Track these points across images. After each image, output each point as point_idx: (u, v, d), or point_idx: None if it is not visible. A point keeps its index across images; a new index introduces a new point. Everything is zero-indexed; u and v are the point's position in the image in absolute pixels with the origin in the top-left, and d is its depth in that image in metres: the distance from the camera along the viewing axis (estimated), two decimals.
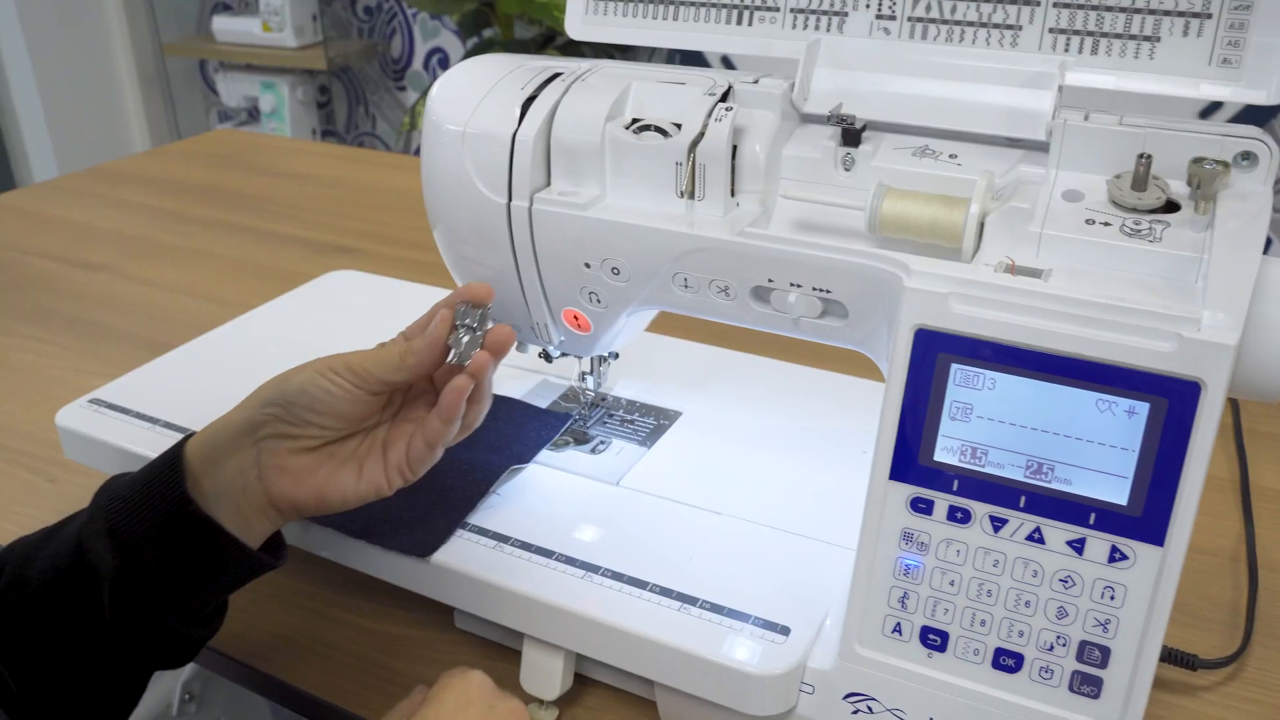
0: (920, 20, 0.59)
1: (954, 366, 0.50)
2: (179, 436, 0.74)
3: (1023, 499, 0.50)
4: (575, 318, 0.67)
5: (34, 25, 3.01)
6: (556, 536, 0.65)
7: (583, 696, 0.64)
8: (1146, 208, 0.51)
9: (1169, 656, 0.63)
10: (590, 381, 0.77)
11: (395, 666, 0.67)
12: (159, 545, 0.55)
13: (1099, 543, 0.49)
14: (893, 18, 0.59)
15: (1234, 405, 0.92)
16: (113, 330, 1.11)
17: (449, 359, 0.58)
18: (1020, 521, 0.50)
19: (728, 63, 2.51)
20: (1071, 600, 0.50)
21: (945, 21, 0.58)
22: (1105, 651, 0.50)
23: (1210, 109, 2.08)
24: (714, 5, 0.63)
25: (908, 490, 0.52)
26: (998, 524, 0.51)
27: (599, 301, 0.65)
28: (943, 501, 0.51)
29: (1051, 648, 0.51)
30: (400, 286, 1.00)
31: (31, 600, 0.56)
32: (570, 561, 0.62)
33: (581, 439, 0.75)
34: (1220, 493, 0.82)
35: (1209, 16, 0.53)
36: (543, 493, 0.70)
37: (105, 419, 0.77)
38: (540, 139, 0.62)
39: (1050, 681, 0.51)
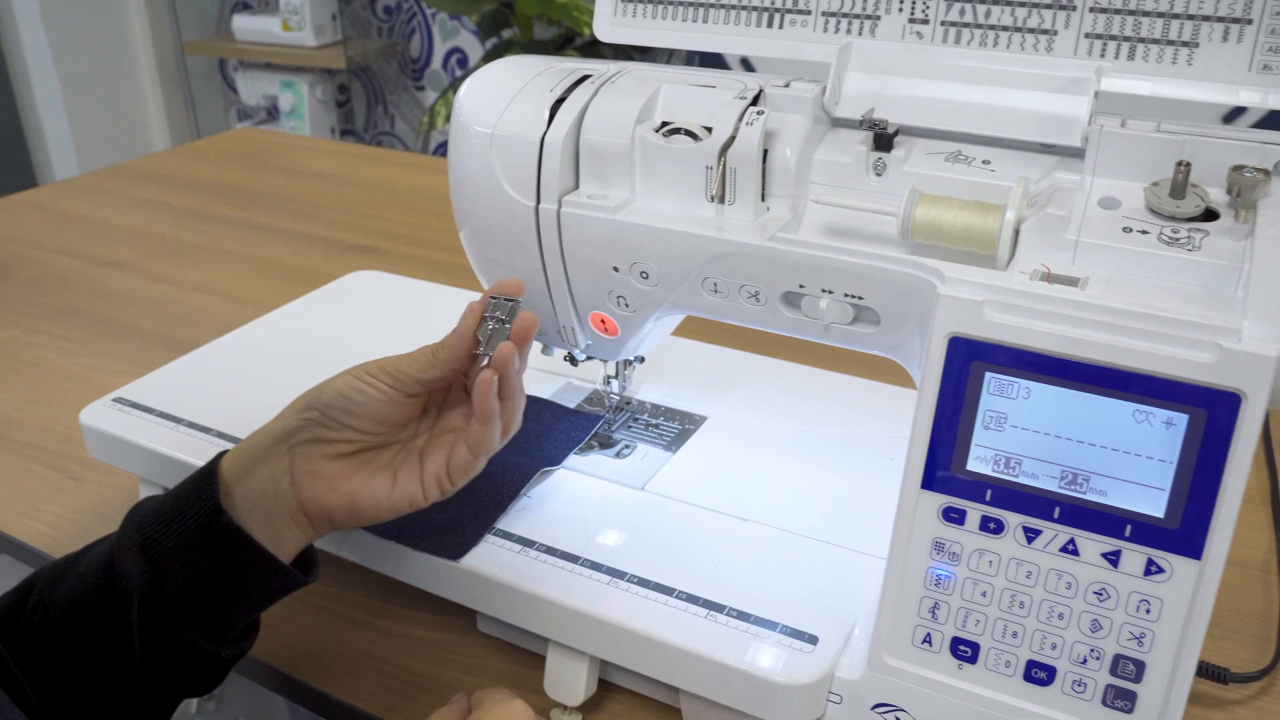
0: (954, 24, 0.58)
1: (988, 375, 0.49)
2: (201, 436, 0.75)
3: (1057, 510, 0.49)
4: (602, 321, 0.67)
5: (56, 24, 3.02)
6: (581, 541, 0.64)
7: (607, 702, 0.64)
8: (1185, 216, 0.50)
9: (1201, 670, 0.62)
10: (615, 385, 0.77)
11: (418, 670, 0.67)
12: (188, 558, 0.54)
13: (1135, 555, 0.48)
14: (925, 21, 0.59)
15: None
16: (135, 329, 1.11)
17: (478, 351, 0.58)
18: (1054, 533, 0.50)
19: (747, 65, 2.51)
20: (1106, 613, 0.49)
21: (979, 26, 0.58)
22: (1140, 665, 0.49)
23: (1234, 114, 2.05)
24: (744, 8, 0.63)
25: (940, 499, 0.52)
26: (1031, 535, 0.50)
27: (627, 305, 0.65)
28: (975, 511, 0.51)
29: (1085, 661, 0.50)
30: (422, 287, 1.00)
31: (58, 620, 0.55)
32: (595, 567, 0.62)
33: (606, 443, 0.75)
34: (1250, 503, 0.81)
35: (1249, 22, 0.52)
36: (567, 497, 0.69)
37: (129, 418, 0.77)
38: (569, 141, 0.62)
39: (1083, 695, 0.51)
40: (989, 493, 0.50)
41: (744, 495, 0.69)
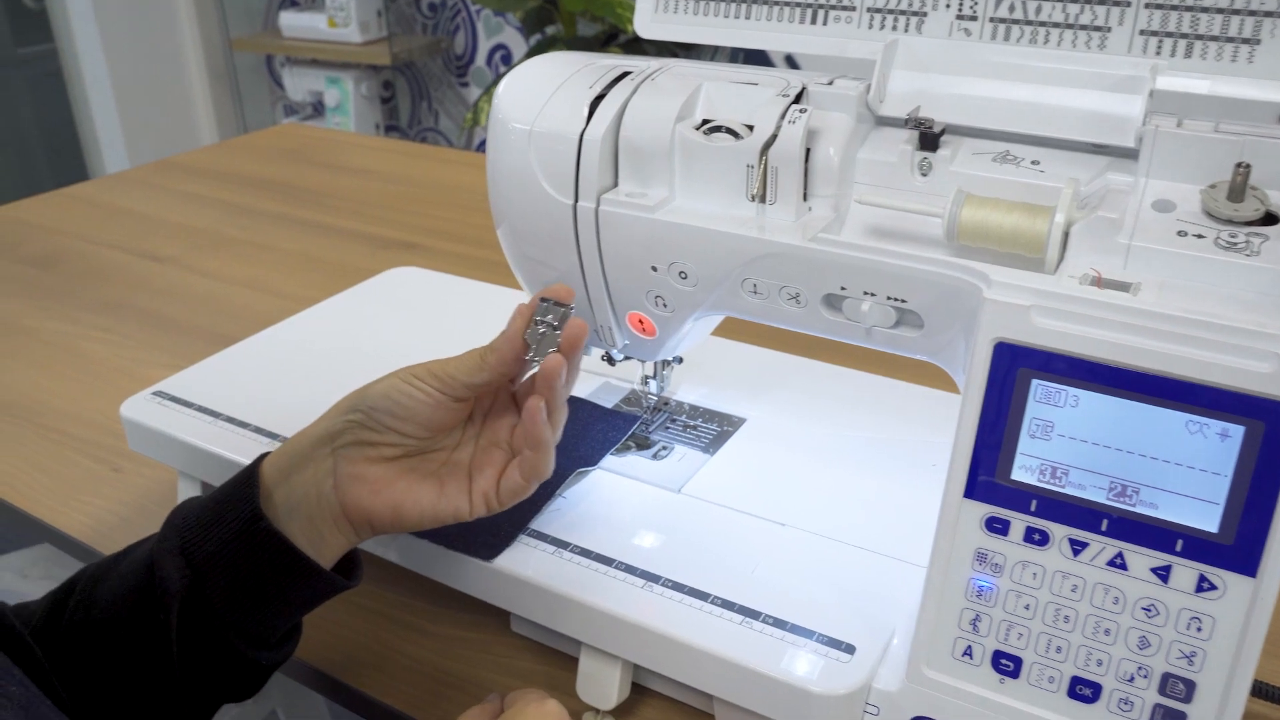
0: (1003, 21, 0.57)
1: (1035, 382, 0.48)
2: (238, 431, 0.75)
3: (1105, 522, 0.48)
4: (640, 322, 0.66)
5: (108, 22, 3.07)
6: (616, 544, 0.64)
7: (640, 706, 0.63)
8: (1243, 219, 0.48)
9: (1255, 690, 0.60)
10: (653, 385, 0.76)
11: (451, 669, 0.67)
12: (229, 562, 0.54)
13: (1186, 571, 0.46)
14: (974, 18, 0.57)
15: None
16: (178, 322, 1.12)
17: (528, 356, 0.57)
18: (1102, 546, 0.48)
19: (791, 62, 2.49)
20: (1155, 630, 0.48)
21: (1029, 22, 0.56)
22: (1190, 685, 0.47)
23: None
24: (788, 4, 0.62)
25: (983, 509, 0.50)
26: (1077, 547, 0.49)
27: (665, 306, 0.64)
28: (1019, 522, 0.49)
29: (1132, 679, 0.49)
30: (461, 284, 1.00)
31: (99, 622, 0.55)
32: (630, 570, 0.61)
33: (643, 444, 0.74)
34: None
35: None
36: (603, 498, 0.68)
37: (169, 411, 0.77)
38: (608, 139, 0.61)
39: (1129, 714, 0.49)
40: (1034, 503, 0.49)
41: (782, 499, 0.68)
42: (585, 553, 0.63)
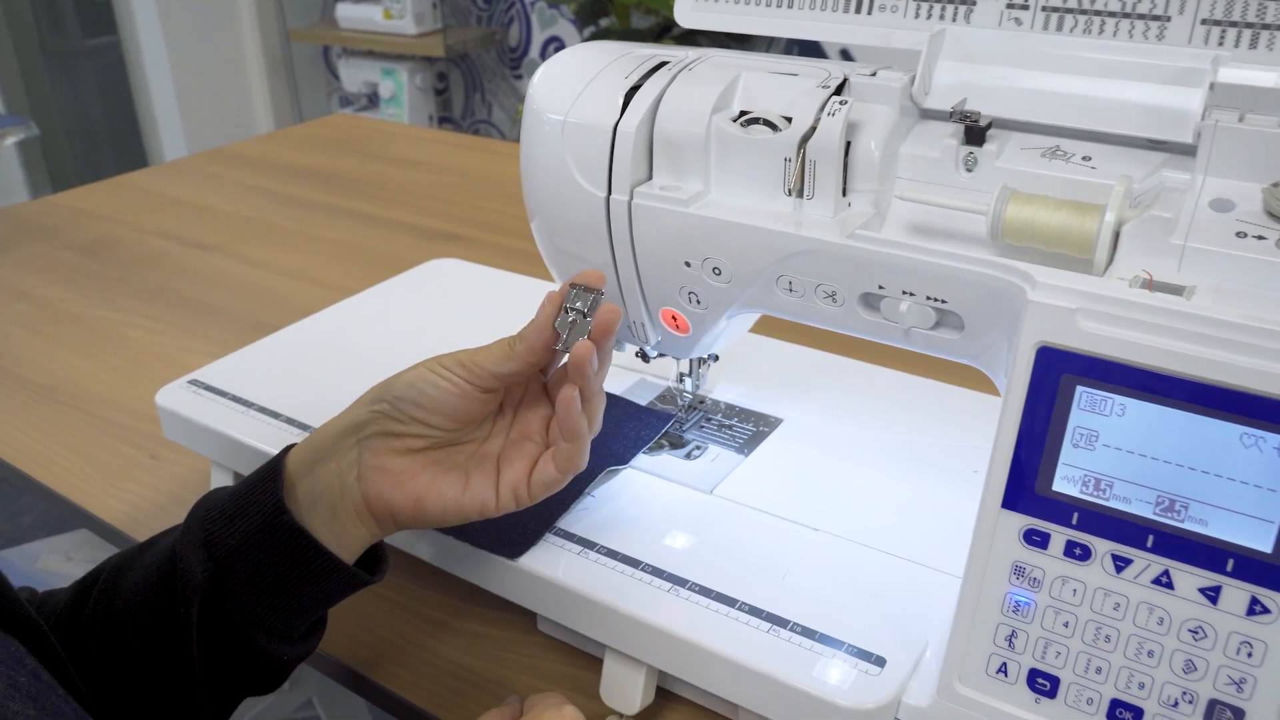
0: (1056, 10, 0.54)
1: (1079, 389, 0.45)
2: (270, 421, 0.75)
3: (1150, 538, 0.45)
4: (673, 318, 0.65)
5: (169, 13, 3.12)
6: (644, 545, 0.62)
7: (665, 712, 0.62)
8: None
9: None
10: (688, 383, 0.75)
11: (475, 667, 0.66)
12: (251, 556, 0.53)
13: (1237, 592, 0.44)
14: (1025, 7, 0.55)
15: None
16: (221, 310, 1.13)
17: (558, 346, 0.55)
18: (1146, 563, 0.46)
19: (847, 55, 2.45)
20: (1202, 654, 0.45)
21: (1084, 11, 0.54)
22: (1239, 713, 0.45)
23: None
24: None
25: (1021, 521, 0.48)
26: (1121, 564, 0.46)
27: (698, 302, 0.62)
28: (1060, 535, 0.47)
29: (1176, 704, 0.46)
30: (499, 276, 0.99)
31: (120, 614, 0.55)
32: (657, 573, 0.60)
33: (677, 443, 0.73)
34: None
35: None
36: (632, 497, 0.67)
37: (203, 400, 0.77)
38: (643, 130, 0.59)
39: None
40: (1076, 516, 0.47)
41: (816, 503, 0.66)
42: (612, 553, 0.62)
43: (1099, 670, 0.48)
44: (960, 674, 0.51)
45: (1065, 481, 0.47)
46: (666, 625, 0.57)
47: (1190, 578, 0.45)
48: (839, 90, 0.57)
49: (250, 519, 0.53)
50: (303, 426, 0.74)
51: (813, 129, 0.55)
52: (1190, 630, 0.45)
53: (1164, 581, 0.45)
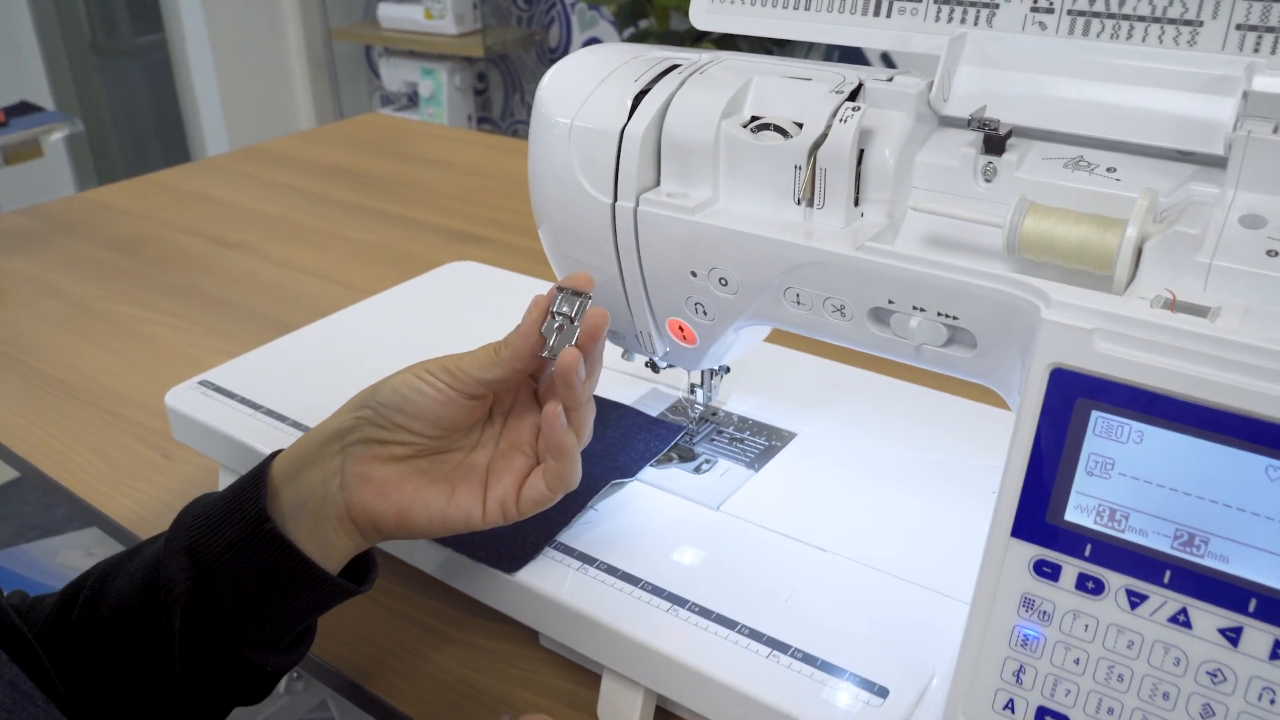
0: (1082, 14, 0.52)
1: (1095, 414, 0.43)
2: (275, 424, 0.74)
3: (1167, 574, 0.43)
4: (680, 329, 0.63)
5: (214, 11, 3.15)
6: (645, 562, 0.60)
7: None
8: None
9: None
10: (700, 395, 0.73)
11: (473, 680, 0.64)
12: (234, 565, 0.52)
13: (1259, 635, 0.41)
14: (1050, 10, 0.53)
15: None
16: (244, 309, 1.12)
17: (544, 352, 0.54)
18: (1163, 600, 0.43)
19: (888, 60, 2.41)
20: (1221, 698, 0.42)
21: (1111, 16, 0.51)
22: None
23: None
24: None
25: (1031, 550, 0.46)
26: (1135, 600, 0.44)
27: (705, 313, 0.60)
28: (1071, 568, 0.45)
29: None
30: (515, 280, 0.98)
31: (105, 621, 0.54)
32: (656, 591, 0.58)
33: (686, 456, 0.71)
34: None
35: None
36: (636, 511, 0.65)
37: (211, 402, 0.77)
38: (650, 135, 0.58)
39: None
40: (1089, 548, 0.44)
41: (826, 522, 0.63)
42: (612, 570, 0.60)
43: (1110, 711, 0.45)
44: (965, 709, 0.48)
45: (1078, 511, 0.44)
46: (663, 647, 0.55)
47: (1209, 617, 0.42)
48: (854, 95, 0.55)
49: (234, 526, 0.52)
50: (306, 429, 0.72)
51: (824, 135, 0.53)
52: (1209, 673, 0.42)
53: (1181, 620, 0.43)
